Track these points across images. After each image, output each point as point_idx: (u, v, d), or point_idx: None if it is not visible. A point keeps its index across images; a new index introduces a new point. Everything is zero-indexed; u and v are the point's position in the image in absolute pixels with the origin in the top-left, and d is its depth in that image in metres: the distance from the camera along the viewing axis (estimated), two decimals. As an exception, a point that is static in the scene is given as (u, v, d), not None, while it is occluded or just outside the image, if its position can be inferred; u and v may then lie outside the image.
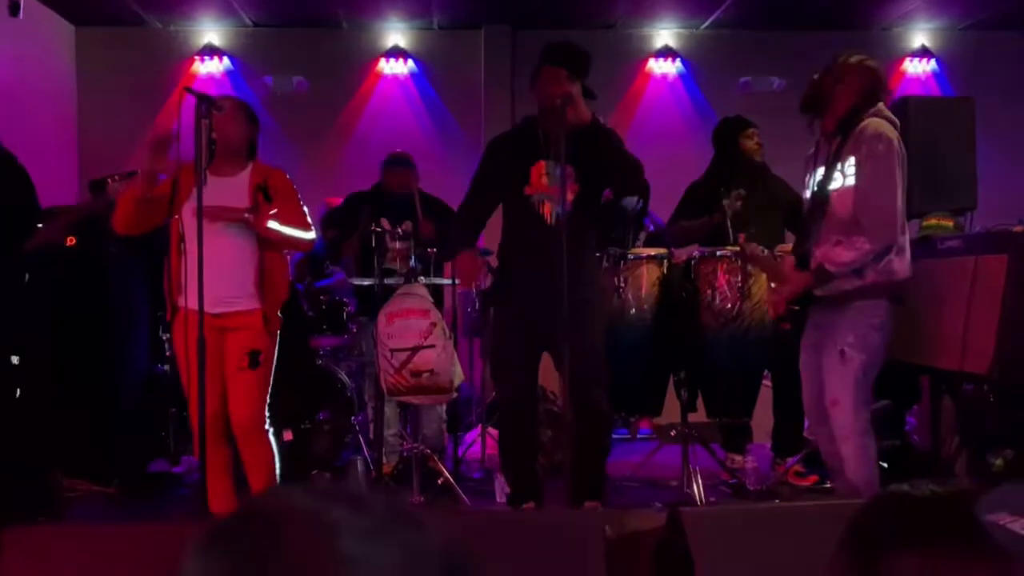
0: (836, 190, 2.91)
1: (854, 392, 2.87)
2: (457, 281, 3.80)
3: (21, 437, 3.43)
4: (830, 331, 2.94)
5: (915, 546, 0.81)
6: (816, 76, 2.99)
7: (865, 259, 2.84)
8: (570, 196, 3.11)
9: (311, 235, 3.28)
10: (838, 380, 2.89)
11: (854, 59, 2.96)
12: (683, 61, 6.82)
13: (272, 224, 3.10)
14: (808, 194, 3.07)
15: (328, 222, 4.82)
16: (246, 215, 3.04)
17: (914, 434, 4.45)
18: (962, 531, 0.80)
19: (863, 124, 2.86)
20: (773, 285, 3.56)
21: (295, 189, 3.29)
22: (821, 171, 2.98)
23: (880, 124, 2.87)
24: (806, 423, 4.35)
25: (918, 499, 0.87)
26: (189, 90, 2.80)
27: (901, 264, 2.92)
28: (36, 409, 3.80)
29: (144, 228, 3.20)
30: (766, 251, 3.53)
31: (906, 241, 2.96)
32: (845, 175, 2.88)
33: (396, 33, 6.72)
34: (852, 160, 2.85)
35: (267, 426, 3.21)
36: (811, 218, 3.00)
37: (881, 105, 2.94)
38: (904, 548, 0.83)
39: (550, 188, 3.18)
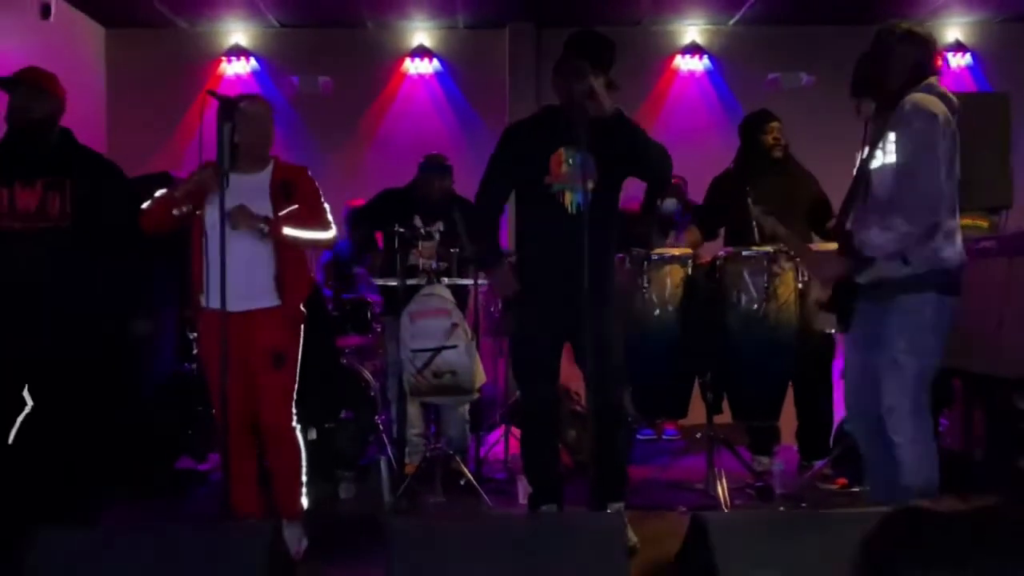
0: (876, 168, 2.74)
1: (912, 399, 2.69)
2: (489, 287, 3.74)
3: (61, 442, 3.46)
4: (879, 329, 2.75)
5: (936, 570, 0.77)
6: (863, 53, 2.82)
7: (904, 242, 2.63)
8: (590, 185, 3.01)
9: (331, 234, 3.28)
10: (894, 387, 2.69)
11: (902, 28, 2.77)
12: (710, 58, 6.75)
13: (288, 231, 3.10)
14: (855, 172, 2.88)
15: (357, 217, 4.83)
16: (261, 225, 3.05)
17: (946, 436, 4.37)
18: (988, 555, 0.76)
19: (907, 98, 2.67)
20: (805, 270, 3.44)
21: (317, 187, 3.29)
22: (867, 149, 2.81)
23: (924, 98, 2.67)
24: (834, 425, 4.30)
25: (940, 517, 0.82)
26: (212, 93, 2.81)
27: (951, 250, 2.70)
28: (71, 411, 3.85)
29: (171, 229, 3.23)
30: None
31: (956, 226, 2.74)
32: (886, 152, 2.70)
33: (421, 32, 6.72)
34: (892, 136, 2.68)
35: (295, 423, 3.22)
36: (853, 198, 2.82)
37: (933, 80, 2.75)
38: (922, 571, 0.78)
39: (571, 177, 3.10)
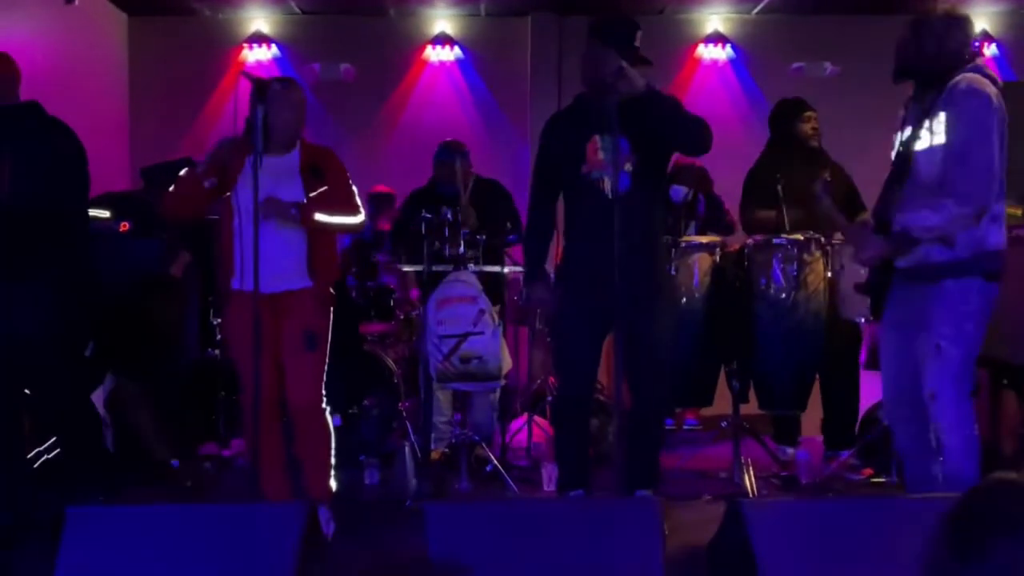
0: (923, 150, 2.68)
1: (955, 385, 2.66)
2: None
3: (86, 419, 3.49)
4: (921, 315, 2.70)
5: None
6: (903, 37, 2.76)
7: (953, 224, 2.59)
8: (629, 167, 2.99)
9: (359, 218, 3.27)
10: (937, 374, 2.66)
11: (943, 10, 2.74)
12: (733, 47, 6.69)
13: (319, 216, 3.10)
14: (893, 155, 2.83)
15: (395, 234, 4.77)
16: (293, 212, 3.04)
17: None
18: None
19: (957, 78, 2.63)
20: (847, 250, 3.37)
21: (344, 169, 3.28)
22: (908, 131, 2.75)
23: (977, 79, 2.63)
24: (860, 415, 4.27)
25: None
26: (246, 74, 2.80)
27: (997, 235, 2.66)
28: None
29: (194, 214, 3.22)
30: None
31: (1003, 211, 2.70)
32: (934, 132, 2.64)
33: (443, 20, 6.69)
34: (943, 116, 2.62)
35: (324, 405, 3.22)
36: (894, 181, 2.76)
37: (981, 61, 2.72)
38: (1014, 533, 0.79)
39: (608, 163, 3.05)
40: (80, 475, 3.38)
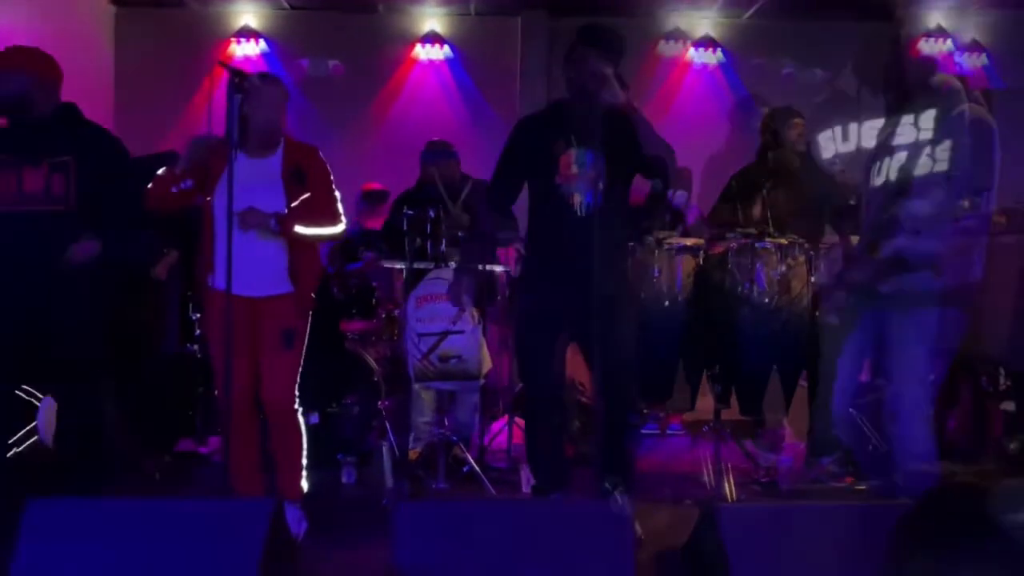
0: (923, 175, 2.71)
1: (923, 397, 2.75)
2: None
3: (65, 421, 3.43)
4: (895, 334, 2.77)
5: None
6: (885, 56, 2.82)
7: (943, 209, 2.65)
8: (599, 186, 3.00)
9: (339, 228, 3.23)
10: (905, 387, 2.75)
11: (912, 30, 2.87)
12: (724, 51, 6.69)
13: (298, 228, 3.07)
14: (879, 181, 2.86)
15: (385, 237, 4.73)
16: (271, 224, 3.02)
17: (956, 433, 4.33)
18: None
19: (961, 108, 2.69)
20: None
21: (329, 171, 3.23)
22: (902, 156, 2.77)
23: (978, 109, 2.74)
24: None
25: (974, 492, 0.81)
26: (223, 64, 2.76)
27: (980, 267, 2.77)
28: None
29: (175, 207, 3.18)
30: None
31: (987, 241, 2.82)
32: (936, 160, 2.68)
33: (432, 18, 6.67)
34: (947, 144, 2.66)
35: (297, 406, 3.18)
36: (888, 204, 2.77)
37: (958, 84, 2.76)
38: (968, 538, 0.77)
39: (580, 179, 3.07)
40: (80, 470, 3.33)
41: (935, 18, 6.69)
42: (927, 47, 6.64)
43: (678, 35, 6.71)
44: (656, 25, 6.66)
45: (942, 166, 2.66)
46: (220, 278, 2.99)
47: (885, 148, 2.87)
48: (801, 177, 4.15)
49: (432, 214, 3.93)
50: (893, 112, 2.88)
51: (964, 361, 3.73)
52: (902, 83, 2.80)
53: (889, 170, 2.83)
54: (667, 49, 6.67)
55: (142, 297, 4.50)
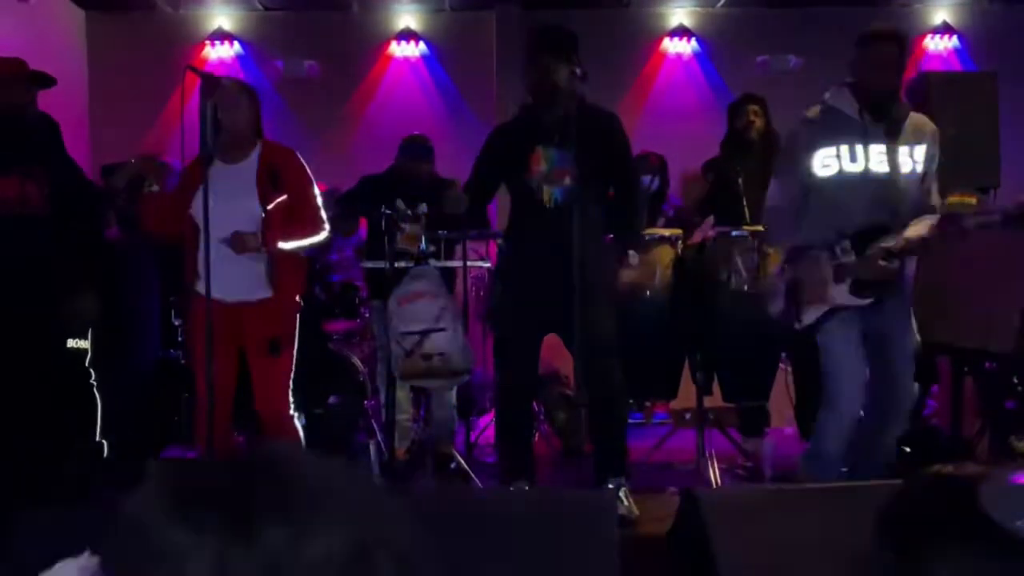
0: (908, 175, 2.98)
1: None
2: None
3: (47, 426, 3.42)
4: (886, 330, 3.03)
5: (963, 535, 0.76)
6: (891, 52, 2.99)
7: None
8: (568, 181, 3.14)
9: (323, 235, 3.24)
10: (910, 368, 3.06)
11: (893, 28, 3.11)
12: (698, 40, 6.71)
13: (283, 244, 3.09)
14: (855, 168, 3.02)
15: (342, 203, 4.74)
16: (257, 245, 3.05)
17: (934, 417, 4.37)
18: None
19: (922, 120, 3.04)
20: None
21: (307, 174, 3.23)
22: (880, 151, 2.95)
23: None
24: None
25: (960, 481, 0.81)
26: (192, 68, 2.76)
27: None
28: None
29: (174, 227, 3.16)
30: None
31: None
32: (915, 161, 2.98)
33: (407, 15, 6.65)
34: (923, 149, 2.98)
35: (292, 411, 3.19)
36: (889, 198, 2.95)
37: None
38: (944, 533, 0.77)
39: (548, 173, 3.21)
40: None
41: (940, 14, 6.72)
42: (931, 44, 6.70)
43: (652, 25, 6.73)
44: (630, 15, 6.67)
45: (919, 167, 2.97)
46: (202, 284, 3.00)
47: (858, 137, 2.97)
48: (765, 160, 4.16)
49: (410, 212, 3.92)
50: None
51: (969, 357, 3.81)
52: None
53: (861, 163, 2.96)
54: (641, 39, 6.69)
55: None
